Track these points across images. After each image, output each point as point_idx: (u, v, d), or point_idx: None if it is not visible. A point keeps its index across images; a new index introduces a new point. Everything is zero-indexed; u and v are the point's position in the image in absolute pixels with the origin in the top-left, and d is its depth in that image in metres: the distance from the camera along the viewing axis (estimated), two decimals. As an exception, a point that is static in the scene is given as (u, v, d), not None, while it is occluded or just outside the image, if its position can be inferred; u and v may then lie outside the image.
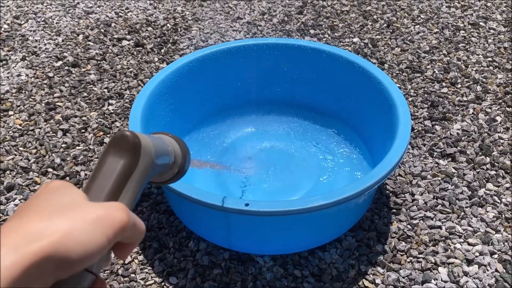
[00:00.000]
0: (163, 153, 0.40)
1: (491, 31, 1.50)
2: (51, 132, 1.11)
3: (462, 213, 0.91)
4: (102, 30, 1.51)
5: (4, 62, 1.37)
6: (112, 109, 1.19)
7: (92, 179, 0.32)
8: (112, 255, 0.30)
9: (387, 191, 0.95)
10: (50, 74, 1.31)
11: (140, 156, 0.34)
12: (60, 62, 1.36)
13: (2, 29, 1.53)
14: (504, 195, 0.94)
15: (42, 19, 1.58)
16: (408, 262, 0.83)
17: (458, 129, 1.11)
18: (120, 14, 1.61)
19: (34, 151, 1.07)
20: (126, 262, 0.83)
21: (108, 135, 1.11)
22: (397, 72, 1.31)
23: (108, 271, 0.82)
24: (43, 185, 0.29)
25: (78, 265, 0.24)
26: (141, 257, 0.84)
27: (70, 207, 0.26)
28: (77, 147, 1.07)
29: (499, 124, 1.12)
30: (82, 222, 0.25)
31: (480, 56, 1.37)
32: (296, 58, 1.04)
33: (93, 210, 0.26)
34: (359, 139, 1.03)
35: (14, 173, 1.01)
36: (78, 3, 1.68)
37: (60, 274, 0.24)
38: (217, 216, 0.76)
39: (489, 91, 1.23)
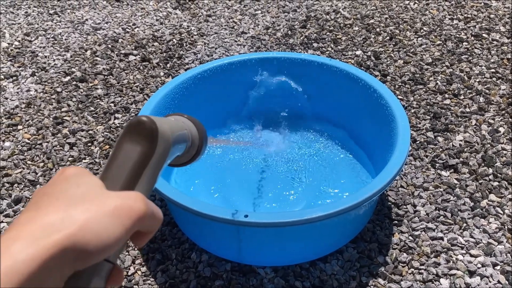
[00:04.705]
0: (180, 137, 0.39)
1: (494, 42, 1.50)
2: (58, 146, 1.14)
3: (464, 224, 0.91)
4: (109, 46, 1.55)
5: (14, 78, 1.40)
6: (118, 123, 1.21)
7: (108, 167, 0.31)
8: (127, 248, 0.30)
9: (389, 202, 0.96)
10: (58, 89, 1.34)
11: (157, 143, 0.33)
12: (68, 77, 1.39)
13: (13, 45, 1.57)
14: (507, 206, 0.94)
15: (52, 35, 1.62)
16: (410, 274, 0.83)
17: (461, 140, 1.11)
18: (127, 30, 1.65)
19: (41, 164, 1.09)
20: (129, 273, 0.84)
21: (113, 149, 1.13)
22: (400, 84, 1.32)
23: (112, 283, 0.83)
24: (59, 171, 0.29)
25: (96, 256, 0.24)
26: (144, 269, 0.85)
27: (87, 197, 0.26)
28: (83, 161, 1.09)
29: (502, 135, 1.12)
30: (100, 214, 0.25)
31: (483, 67, 1.38)
32: (298, 71, 1.06)
33: (111, 201, 0.26)
34: (361, 150, 1.04)
35: (22, 186, 1.03)
36: (86, 19, 1.72)
37: (78, 265, 0.24)
38: (218, 228, 0.77)
39: (492, 102, 1.23)
